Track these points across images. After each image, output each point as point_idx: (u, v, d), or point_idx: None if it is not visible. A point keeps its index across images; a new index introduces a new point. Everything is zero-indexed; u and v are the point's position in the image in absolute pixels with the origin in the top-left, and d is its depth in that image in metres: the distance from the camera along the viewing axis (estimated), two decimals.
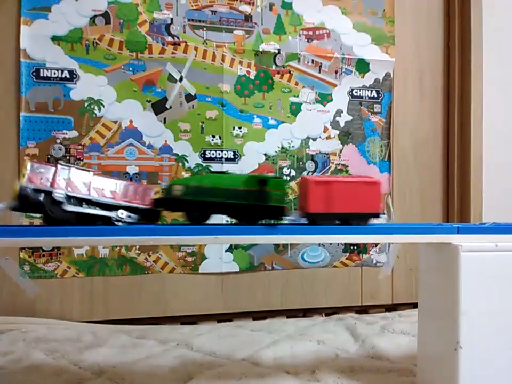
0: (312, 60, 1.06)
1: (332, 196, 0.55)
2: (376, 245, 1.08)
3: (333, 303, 1.07)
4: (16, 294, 0.94)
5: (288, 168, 1.04)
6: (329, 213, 0.55)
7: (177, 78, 1.01)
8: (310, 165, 1.05)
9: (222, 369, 0.70)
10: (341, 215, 0.55)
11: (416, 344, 0.64)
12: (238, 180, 0.56)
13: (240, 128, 1.03)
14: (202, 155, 1.02)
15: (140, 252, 0.99)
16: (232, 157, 1.03)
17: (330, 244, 1.05)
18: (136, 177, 1.00)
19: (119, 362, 0.74)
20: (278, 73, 1.05)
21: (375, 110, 1.09)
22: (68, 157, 0.98)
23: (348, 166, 1.07)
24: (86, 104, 0.98)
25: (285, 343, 0.83)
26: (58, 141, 0.98)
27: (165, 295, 1.00)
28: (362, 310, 1.08)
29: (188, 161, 1.01)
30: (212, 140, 1.02)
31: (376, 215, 0.56)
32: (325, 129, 1.06)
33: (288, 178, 1.04)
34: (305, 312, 1.05)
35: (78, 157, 0.99)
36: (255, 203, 0.55)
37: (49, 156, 0.98)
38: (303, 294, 1.05)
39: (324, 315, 1.04)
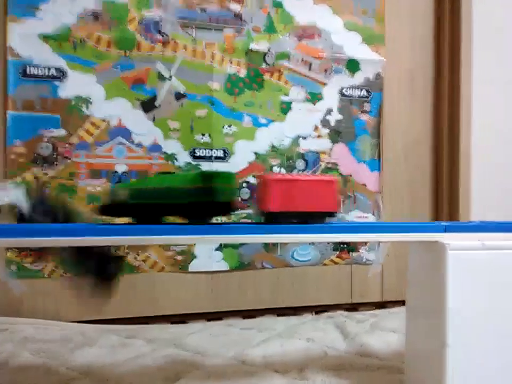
0: (302, 59, 1.06)
1: (291, 194, 0.54)
2: (366, 243, 1.08)
3: (323, 301, 1.07)
4: (2, 293, 0.93)
5: (278, 167, 1.05)
6: (287, 212, 0.54)
7: (167, 76, 1.00)
8: (300, 164, 1.05)
9: (211, 369, 0.70)
10: (299, 213, 0.55)
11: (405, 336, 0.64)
12: (183, 178, 0.55)
13: (230, 126, 1.03)
14: (192, 154, 1.01)
15: (128, 251, 0.99)
16: (222, 155, 1.02)
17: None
18: (125, 176, 0.99)
19: (108, 362, 0.74)
20: (268, 72, 1.04)
21: (366, 109, 1.09)
22: (55, 155, 0.98)
23: (338, 165, 1.08)
24: (73, 102, 0.97)
25: (274, 341, 0.83)
26: (45, 139, 0.97)
27: (155, 294, 1.00)
28: (353, 307, 1.08)
29: (177, 160, 1.01)
30: (202, 139, 1.02)
31: (333, 214, 0.56)
32: (315, 128, 1.07)
33: None
34: (296, 310, 1.06)
35: (65, 155, 0.98)
36: (202, 200, 0.53)
37: (36, 155, 0.97)
38: (293, 292, 1.05)
39: (313, 313, 1.05)
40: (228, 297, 1.03)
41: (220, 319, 1.01)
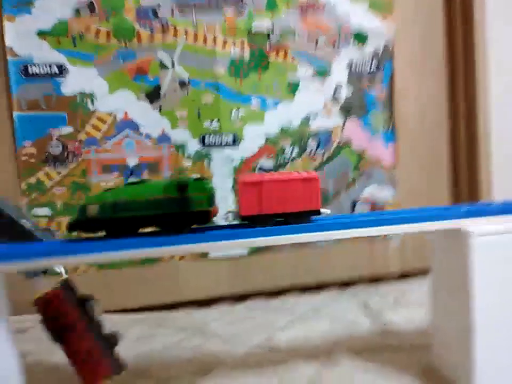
0: (308, 35, 1.02)
1: (265, 196, 0.52)
2: None
3: (345, 276, 1.06)
4: (21, 290, 0.95)
5: (291, 147, 1.02)
6: (264, 215, 0.53)
7: (169, 64, 0.98)
8: (312, 143, 1.03)
9: (238, 359, 0.71)
10: (277, 216, 0.53)
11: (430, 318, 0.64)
12: (156, 188, 0.53)
13: (238, 110, 1.00)
14: (201, 141, 1.00)
15: None
16: (232, 141, 1.01)
17: None
18: (137, 169, 0.99)
19: (136, 354, 0.75)
20: (273, 51, 1.01)
21: (376, 81, 1.05)
22: (65, 154, 0.97)
23: (351, 141, 1.05)
24: (78, 99, 0.96)
25: (299, 324, 0.84)
26: (54, 137, 0.96)
27: (178, 281, 1.00)
28: (374, 280, 1.08)
29: (187, 149, 0.99)
30: (210, 125, 1.00)
31: (316, 212, 0.54)
32: (325, 105, 1.03)
33: (291, 158, 1.03)
34: (318, 287, 1.06)
35: (76, 152, 0.97)
36: (177, 211, 0.52)
37: (47, 154, 0.97)
38: (314, 269, 1.05)
39: (335, 288, 1.04)
40: (249, 279, 1.03)
41: (243, 300, 1.02)
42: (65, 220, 0.97)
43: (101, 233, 0.54)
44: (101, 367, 0.58)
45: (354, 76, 1.04)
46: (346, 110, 1.04)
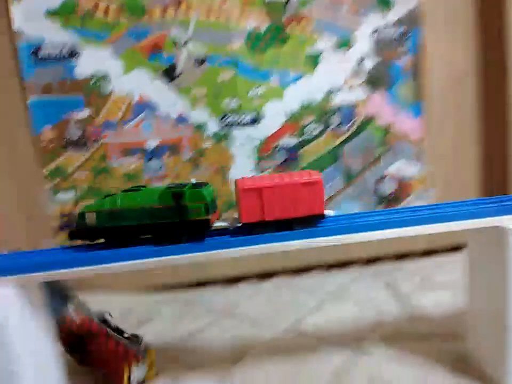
0: (328, 2, 0.96)
1: (266, 202, 0.50)
2: (411, 193, 1.04)
3: (370, 252, 1.05)
4: None
5: (313, 124, 0.99)
6: (265, 221, 0.51)
7: (183, 41, 0.93)
8: (334, 119, 0.99)
9: (269, 343, 0.72)
10: (279, 221, 0.51)
11: (461, 302, 0.63)
12: (152, 196, 0.52)
13: (257, 87, 0.96)
14: (221, 121, 0.97)
15: None
16: (252, 119, 0.97)
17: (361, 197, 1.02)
18: (157, 151, 0.97)
19: (168, 338, 0.77)
20: (292, 22, 0.95)
21: (403, 50, 0.99)
22: (84, 138, 0.96)
23: (376, 115, 1.00)
24: (92, 81, 0.93)
25: (327, 307, 0.83)
26: (72, 123, 0.95)
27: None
28: (400, 256, 1.07)
29: (207, 129, 0.97)
30: (229, 104, 0.96)
31: (320, 216, 0.52)
32: (349, 78, 0.98)
33: (313, 136, 0.99)
34: (342, 264, 1.05)
35: (94, 137, 0.96)
36: (173, 220, 0.51)
37: (66, 139, 0.96)
38: (340, 247, 1.04)
39: (360, 266, 1.04)
40: (275, 256, 1.02)
41: (269, 278, 1.02)
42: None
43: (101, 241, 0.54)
44: (127, 358, 0.63)
45: (379, 46, 0.98)
46: (371, 83, 0.99)
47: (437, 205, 0.57)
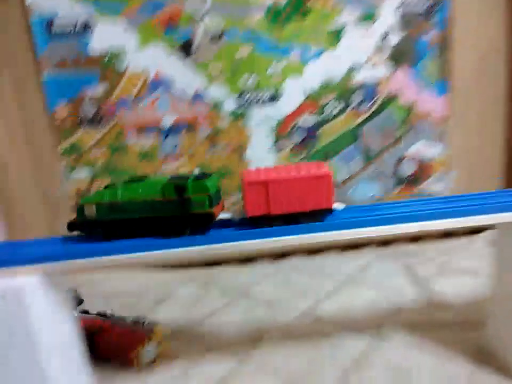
0: None
1: (272, 196, 0.49)
2: (431, 174, 1.01)
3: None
4: None
5: (334, 102, 0.95)
6: (271, 215, 0.50)
7: (200, 15, 0.90)
8: (356, 97, 0.96)
9: (284, 328, 0.72)
10: (286, 216, 0.50)
11: (481, 289, 0.63)
12: (154, 188, 0.50)
13: (276, 63, 0.93)
14: (238, 99, 0.94)
15: None
16: (271, 97, 0.95)
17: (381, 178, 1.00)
18: (173, 129, 0.95)
19: (186, 319, 0.78)
20: None
21: (430, 24, 0.93)
22: (99, 116, 0.95)
23: (399, 93, 0.96)
24: (107, 56, 0.91)
25: (344, 291, 0.83)
26: (86, 99, 0.94)
27: None
28: (417, 238, 1.05)
29: (223, 107, 0.95)
30: (247, 81, 0.94)
31: (328, 211, 0.50)
32: (372, 54, 0.94)
33: (333, 115, 0.96)
34: (357, 245, 1.04)
35: (109, 114, 0.94)
36: (176, 214, 0.49)
37: (81, 116, 0.94)
38: None
39: (375, 247, 1.03)
40: None
41: (284, 257, 1.02)
42: (106, 182, 0.97)
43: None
44: (135, 340, 0.65)
45: (405, 20, 0.93)
46: (395, 59, 0.94)
47: (456, 196, 0.55)
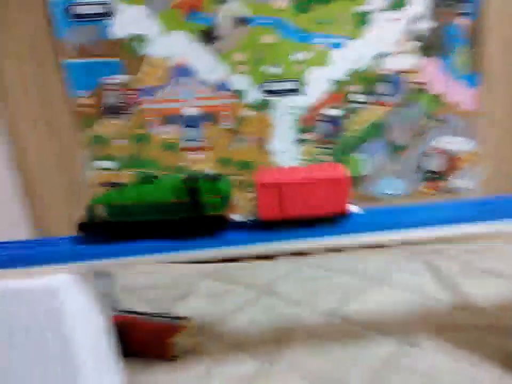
0: None
1: (286, 199, 0.48)
2: (455, 170, 0.98)
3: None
4: None
5: (360, 92, 0.92)
6: (285, 219, 0.49)
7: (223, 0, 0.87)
8: (383, 88, 0.93)
9: (310, 328, 0.72)
10: (300, 219, 0.49)
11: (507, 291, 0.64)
12: (166, 190, 0.49)
13: (302, 52, 0.90)
14: (262, 88, 0.92)
15: None
16: (295, 87, 0.92)
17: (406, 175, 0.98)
18: (196, 120, 0.94)
19: (208, 315, 0.77)
20: None
21: (463, 11, 0.89)
22: (121, 105, 0.93)
23: (428, 84, 0.92)
24: (129, 42, 0.89)
25: (369, 292, 0.81)
26: (109, 87, 0.92)
27: None
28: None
29: (247, 97, 0.93)
30: (271, 70, 0.91)
31: (343, 214, 0.49)
32: (400, 43, 0.90)
33: (359, 106, 0.94)
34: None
35: (132, 103, 0.93)
36: (188, 216, 0.49)
37: (103, 105, 0.93)
38: None
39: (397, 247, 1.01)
40: None
41: (304, 254, 0.99)
42: (129, 173, 0.97)
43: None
44: (168, 332, 0.66)
45: (436, 7, 0.89)
46: (425, 49, 0.90)
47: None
